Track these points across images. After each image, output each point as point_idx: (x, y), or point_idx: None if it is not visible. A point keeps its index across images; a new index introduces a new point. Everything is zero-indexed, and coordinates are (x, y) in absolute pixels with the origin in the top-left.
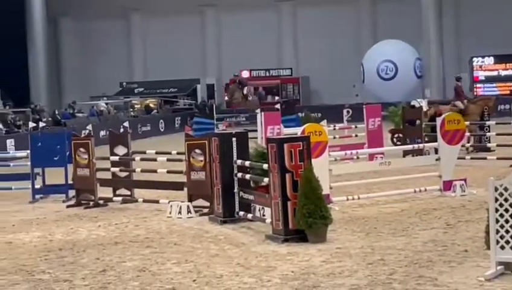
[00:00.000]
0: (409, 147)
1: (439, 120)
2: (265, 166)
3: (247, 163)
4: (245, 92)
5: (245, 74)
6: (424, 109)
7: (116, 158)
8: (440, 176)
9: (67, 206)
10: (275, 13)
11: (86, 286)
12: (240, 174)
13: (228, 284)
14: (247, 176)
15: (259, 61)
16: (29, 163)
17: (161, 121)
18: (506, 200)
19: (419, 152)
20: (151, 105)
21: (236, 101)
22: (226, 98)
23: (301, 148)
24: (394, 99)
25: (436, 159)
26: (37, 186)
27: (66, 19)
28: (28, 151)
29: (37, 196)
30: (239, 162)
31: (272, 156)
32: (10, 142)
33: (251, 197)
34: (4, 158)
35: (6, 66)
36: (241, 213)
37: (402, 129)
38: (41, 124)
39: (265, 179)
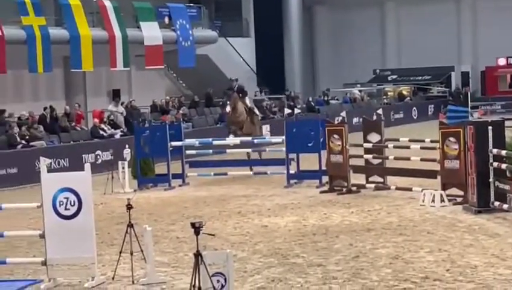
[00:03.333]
0: None
1: None
2: None
3: (503, 152)
4: (248, 103)
5: (501, 62)
6: None
7: (369, 145)
8: None
9: (321, 192)
10: None
11: (339, 271)
12: (495, 164)
13: (483, 276)
14: (503, 166)
15: None
16: (284, 149)
17: (414, 108)
18: None
19: None
20: (404, 92)
21: (239, 117)
22: (228, 109)
23: None
24: None
25: None
26: (292, 171)
27: (321, 7)
28: (283, 137)
29: (292, 181)
30: (495, 151)
31: None
32: (266, 128)
33: (507, 187)
34: (260, 143)
35: (263, 54)
36: (497, 203)
37: None
38: (296, 111)
39: None
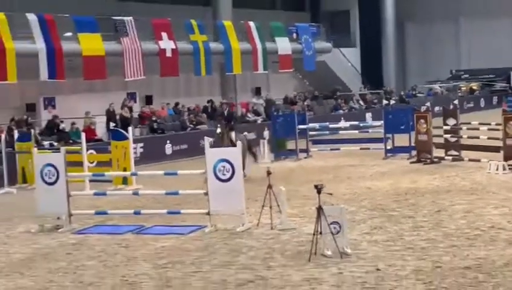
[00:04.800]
0: None
1: None
2: None
3: None
4: (234, 137)
5: None
6: None
7: (447, 127)
8: None
9: (411, 163)
10: None
11: (425, 221)
12: None
13: None
14: None
15: None
16: (382, 130)
17: (481, 99)
18: None
19: None
20: (474, 87)
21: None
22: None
23: None
24: None
25: None
26: (388, 147)
27: (410, 23)
28: (382, 121)
29: (388, 154)
30: None
31: None
32: (368, 115)
33: None
34: (364, 126)
35: (366, 59)
36: None
37: None
38: (391, 102)
39: None
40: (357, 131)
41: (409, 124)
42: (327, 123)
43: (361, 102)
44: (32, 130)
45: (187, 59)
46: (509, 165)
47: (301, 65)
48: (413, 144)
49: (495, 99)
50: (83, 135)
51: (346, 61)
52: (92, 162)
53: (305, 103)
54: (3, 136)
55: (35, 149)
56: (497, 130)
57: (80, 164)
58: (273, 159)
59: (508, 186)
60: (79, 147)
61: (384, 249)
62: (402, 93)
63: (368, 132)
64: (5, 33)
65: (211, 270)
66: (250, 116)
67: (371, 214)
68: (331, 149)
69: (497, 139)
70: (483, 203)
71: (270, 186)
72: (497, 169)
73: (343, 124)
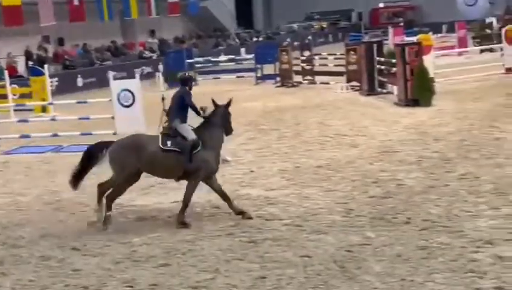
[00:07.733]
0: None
1: (503, 30)
2: (393, 61)
3: (382, 59)
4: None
5: (381, 5)
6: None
7: (304, 58)
8: (503, 64)
9: (276, 87)
10: None
11: (288, 132)
12: (378, 66)
13: (371, 130)
14: (383, 67)
15: None
16: (253, 62)
17: (329, 35)
18: None
19: (491, 50)
20: (324, 26)
21: None
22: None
23: (416, 49)
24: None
25: (501, 55)
26: (258, 75)
27: None
28: (253, 55)
29: (258, 81)
30: (378, 59)
31: (398, 54)
32: (243, 50)
33: (385, 79)
34: (239, 59)
35: (240, 4)
36: (379, 89)
37: (479, 36)
38: (260, 39)
39: (394, 68)
40: (233, 63)
41: (274, 56)
42: (210, 57)
43: (236, 40)
44: None
45: (93, 6)
46: (350, 86)
47: (187, 10)
48: (277, 72)
49: (340, 35)
50: (6, 73)
51: (224, 6)
52: (15, 95)
53: (192, 42)
54: None
55: None
56: (342, 59)
57: (4, 96)
58: (167, 87)
59: (350, 102)
60: (3, 82)
61: (257, 155)
62: (268, 31)
63: (242, 63)
64: None
65: None
66: (147, 53)
67: (245, 128)
68: (214, 78)
69: (341, 66)
70: (331, 116)
71: (164, 111)
72: (341, 89)
73: (222, 57)
